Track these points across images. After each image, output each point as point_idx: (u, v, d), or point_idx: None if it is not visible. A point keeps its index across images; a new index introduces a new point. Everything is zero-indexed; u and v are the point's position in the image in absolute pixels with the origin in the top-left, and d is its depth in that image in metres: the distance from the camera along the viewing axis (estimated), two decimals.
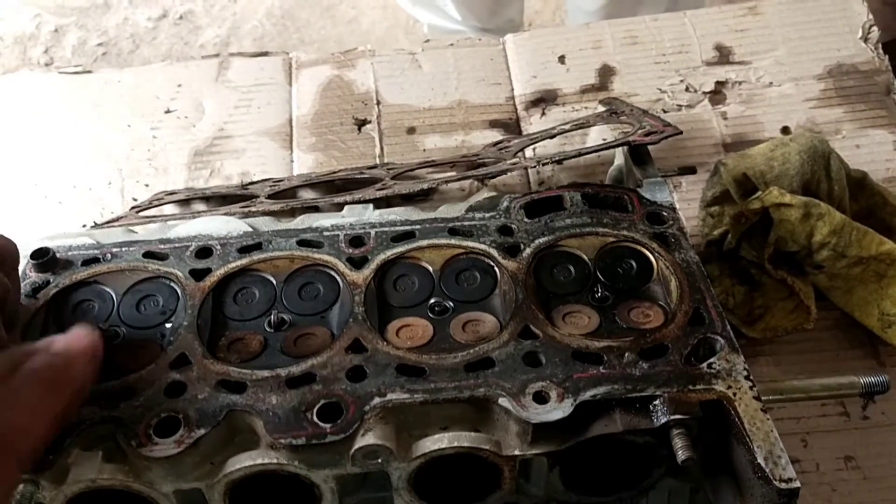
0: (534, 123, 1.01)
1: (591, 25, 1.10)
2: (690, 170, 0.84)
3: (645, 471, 0.58)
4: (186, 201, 0.92)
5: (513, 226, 0.70)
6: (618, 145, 0.78)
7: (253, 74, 1.08)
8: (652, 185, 0.74)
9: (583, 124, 0.92)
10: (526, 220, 0.71)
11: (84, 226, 0.93)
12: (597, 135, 0.98)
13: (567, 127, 0.91)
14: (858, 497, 0.76)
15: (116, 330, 0.64)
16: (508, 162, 0.81)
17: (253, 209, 0.77)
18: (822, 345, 0.85)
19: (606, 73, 1.05)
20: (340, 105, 1.04)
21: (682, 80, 1.04)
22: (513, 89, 1.05)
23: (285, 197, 0.86)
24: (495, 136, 1.01)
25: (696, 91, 1.03)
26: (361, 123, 1.01)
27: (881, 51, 1.05)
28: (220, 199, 0.94)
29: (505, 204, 0.73)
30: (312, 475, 0.55)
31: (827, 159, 0.84)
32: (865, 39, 1.06)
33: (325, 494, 0.57)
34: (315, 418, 0.55)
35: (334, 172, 0.93)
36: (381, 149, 0.99)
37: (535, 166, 0.76)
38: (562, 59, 1.06)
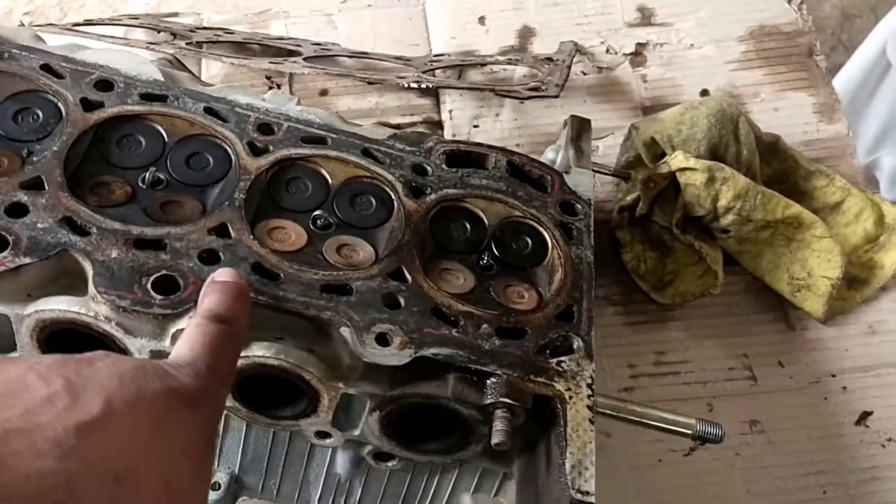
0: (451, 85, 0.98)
1: None
2: (625, 175, 0.82)
3: (462, 443, 0.57)
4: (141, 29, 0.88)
5: (428, 167, 0.68)
6: (482, 89, 0.76)
7: (161, 35, 0.98)
8: (578, 175, 0.72)
9: (514, 60, 0.91)
10: (444, 166, 0.68)
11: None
12: (524, 71, 0.96)
13: (502, 59, 0.90)
14: (762, 461, 0.78)
15: None
16: (397, 74, 0.80)
17: (156, 49, 0.73)
18: (732, 309, 0.87)
19: (526, 34, 1.02)
20: (251, 66, 0.98)
21: (602, 42, 1.02)
22: (431, 50, 1.01)
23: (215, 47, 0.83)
24: (410, 97, 0.97)
25: (616, 53, 1.01)
26: (273, 85, 0.96)
27: (805, 12, 1.04)
28: (169, 35, 0.90)
29: (429, 144, 0.70)
30: (127, 341, 0.52)
31: (735, 123, 0.84)
32: (789, 0, 1.05)
33: None
34: (149, 286, 0.52)
35: (281, 39, 0.90)
36: (294, 95, 0.94)
37: (406, 87, 0.75)
38: (482, 19, 1.03)
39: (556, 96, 0.77)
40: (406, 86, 0.80)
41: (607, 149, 0.95)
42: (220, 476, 0.64)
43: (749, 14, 1.05)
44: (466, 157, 0.70)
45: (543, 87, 0.79)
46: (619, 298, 0.88)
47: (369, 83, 0.78)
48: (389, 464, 0.61)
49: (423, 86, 0.85)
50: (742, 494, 0.77)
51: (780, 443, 0.79)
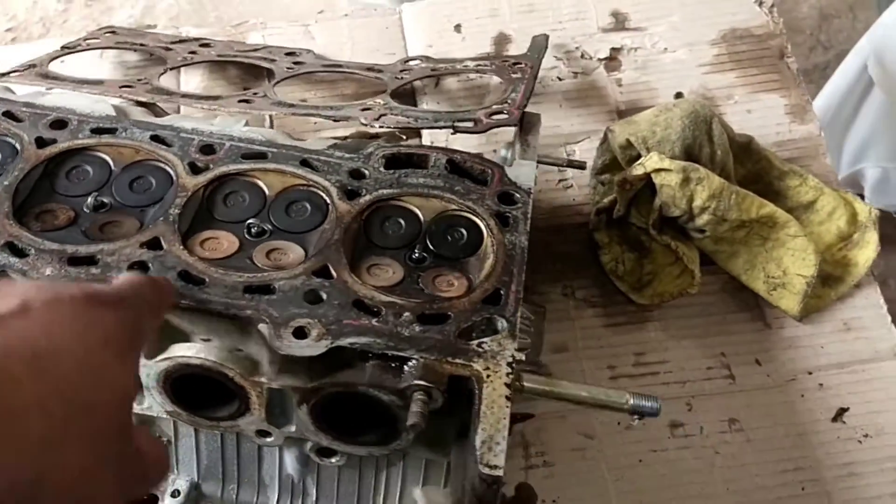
0: (428, 93, 1.00)
1: None
2: (580, 165, 0.82)
3: (394, 432, 0.58)
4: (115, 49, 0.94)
5: (365, 171, 0.69)
6: (441, 127, 0.77)
7: (137, 56, 1.03)
8: (520, 166, 0.73)
9: (483, 68, 0.92)
10: (382, 169, 0.70)
11: None
12: (496, 81, 0.97)
13: (472, 66, 0.92)
14: (741, 459, 0.77)
15: None
16: (360, 107, 0.82)
17: (128, 95, 0.77)
18: (709, 309, 0.86)
19: (502, 41, 1.04)
20: (230, 78, 1.01)
21: (577, 48, 1.02)
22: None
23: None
24: (388, 105, 0.99)
25: (591, 58, 1.02)
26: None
27: (776, 14, 1.03)
28: (147, 55, 0.97)
29: (369, 150, 0.72)
30: None
31: (709, 124, 0.84)
32: (760, 3, 1.04)
33: None
34: None
35: (256, 50, 0.94)
36: (271, 122, 0.96)
37: (366, 123, 0.76)
38: (458, 27, 1.05)
39: (516, 124, 0.77)
40: (369, 125, 0.83)
41: (583, 152, 0.96)
42: (180, 483, 0.66)
43: (721, 17, 1.05)
44: (408, 159, 0.72)
45: (505, 113, 0.79)
46: (598, 300, 0.88)
47: (335, 120, 0.81)
48: (333, 459, 0.62)
49: (386, 128, 0.85)
50: (722, 493, 0.75)
51: (759, 441, 0.77)
